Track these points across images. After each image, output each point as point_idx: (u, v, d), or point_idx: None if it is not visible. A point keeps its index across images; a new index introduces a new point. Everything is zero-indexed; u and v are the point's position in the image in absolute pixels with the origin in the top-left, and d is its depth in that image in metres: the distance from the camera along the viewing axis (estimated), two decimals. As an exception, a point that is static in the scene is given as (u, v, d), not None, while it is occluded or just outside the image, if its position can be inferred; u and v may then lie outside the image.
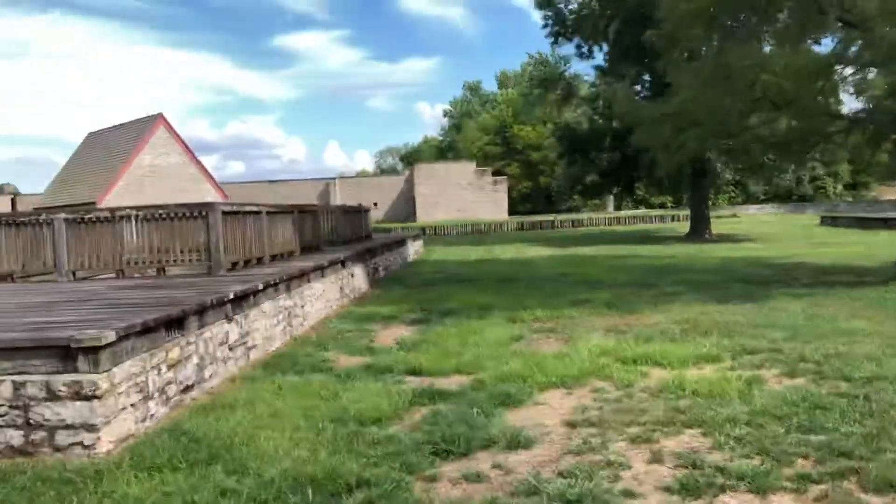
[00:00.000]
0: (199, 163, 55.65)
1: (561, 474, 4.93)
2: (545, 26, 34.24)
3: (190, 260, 11.74)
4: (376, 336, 11.04)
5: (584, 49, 34.39)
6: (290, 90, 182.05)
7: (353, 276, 16.31)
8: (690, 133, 16.40)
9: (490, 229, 49.07)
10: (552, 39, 34.51)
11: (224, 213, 11.72)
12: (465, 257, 26.82)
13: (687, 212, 55.13)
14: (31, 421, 5.72)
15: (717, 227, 35.81)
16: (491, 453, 5.48)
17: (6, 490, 4.87)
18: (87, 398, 5.67)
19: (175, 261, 11.78)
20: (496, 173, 60.58)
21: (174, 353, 7.03)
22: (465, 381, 7.77)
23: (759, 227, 39.89)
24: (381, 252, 20.98)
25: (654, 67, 29.43)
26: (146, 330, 6.51)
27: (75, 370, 5.78)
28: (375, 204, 66.39)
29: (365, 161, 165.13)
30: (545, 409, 6.67)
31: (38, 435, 5.71)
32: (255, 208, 13.43)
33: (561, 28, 33.54)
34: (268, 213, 14.04)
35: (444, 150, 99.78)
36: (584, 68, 71.85)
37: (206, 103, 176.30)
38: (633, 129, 23.35)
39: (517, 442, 5.61)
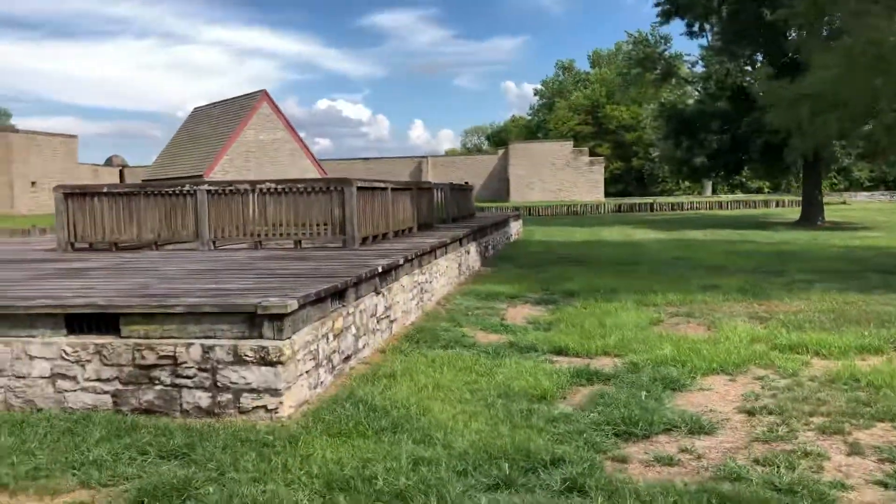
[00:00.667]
0: (299, 139, 56.82)
1: (756, 461, 4.82)
2: (657, 5, 33.37)
3: (324, 233, 11.97)
4: (505, 314, 11.05)
5: (695, 27, 33.36)
6: (376, 68, 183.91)
7: (468, 253, 16.37)
8: (830, 115, 15.64)
9: (586, 211, 48.43)
10: (662, 18, 33.58)
11: (358, 188, 11.89)
12: (569, 238, 26.55)
13: (791, 197, 53.19)
14: (219, 383, 5.94)
15: (827, 213, 34.35)
16: (673, 437, 5.40)
17: (211, 449, 5.07)
18: (272, 364, 5.85)
19: (310, 234, 12.03)
20: (591, 154, 59.61)
21: (339, 323, 7.20)
22: (616, 363, 7.69)
23: (872, 215, 38.04)
24: (490, 231, 20.98)
25: (772, 46, 28.33)
26: (318, 300, 6.68)
27: (260, 336, 5.97)
28: (466, 183, 66.44)
29: (449, 140, 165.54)
30: (711, 394, 6.54)
31: (225, 397, 5.94)
32: (382, 185, 13.59)
33: (672, 6, 32.59)
34: (392, 189, 14.20)
35: (533, 130, 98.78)
36: (690, 47, 69.78)
37: (295, 81, 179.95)
38: (768, 110, 22.47)
39: (699, 427, 5.51)
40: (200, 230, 12.12)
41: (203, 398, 5.97)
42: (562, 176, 55.09)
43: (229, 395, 5.93)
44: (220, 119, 57.23)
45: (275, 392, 5.87)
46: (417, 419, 5.65)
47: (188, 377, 5.98)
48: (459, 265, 15.14)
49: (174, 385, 6.01)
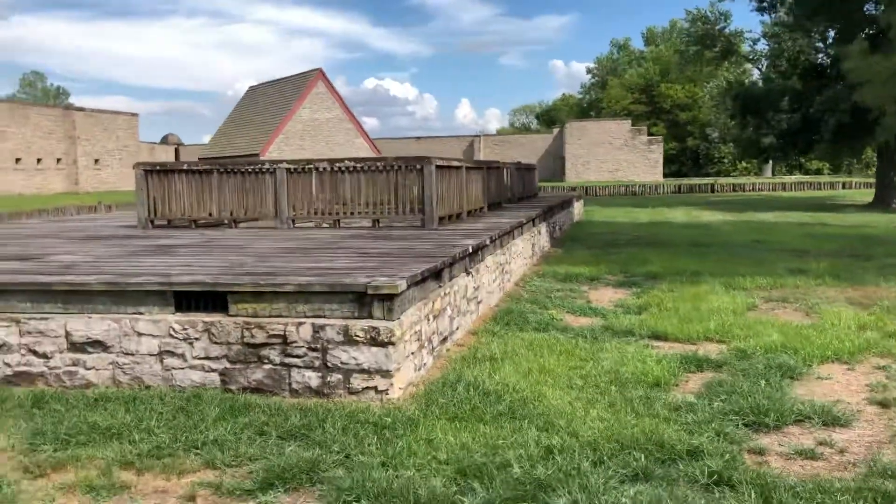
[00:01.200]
0: (354, 118, 56.88)
1: (908, 458, 4.54)
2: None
3: (402, 212, 11.84)
4: (589, 296, 10.82)
5: (765, 2, 32.29)
6: (423, 47, 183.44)
7: (539, 234, 16.13)
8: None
9: (644, 191, 47.60)
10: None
11: (437, 167, 11.72)
12: (633, 219, 26.09)
13: (857, 178, 51.58)
14: (329, 364, 5.85)
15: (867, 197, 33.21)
16: (806, 429, 5.14)
17: (331, 430, 4.98)
18: (383, 344, 5.73)
19: (387, 212, 11.92)
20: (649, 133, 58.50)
21: (438, 304, 7.07)
22: (722, 349, 7.42)
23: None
24: (557, 211, 20.68)
25: (849, 21, 27.29)
26: (422, 280, 6.54)
27: (370, 316, 5.85)
28: (520, 162, 65.89)
29: (496, 119, 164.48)
30: (833, 384, 6.25)
31: (335, 377, 5.84)
32: (457, 163, 13.41)
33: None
34: (466, 168, 14.01)
35: (585, 109, 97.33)
36: (751, 24, 67.81)
37: (342, 60, 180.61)
38: (859, 87, 21.55)
39: (832, 418, 5.24)
40: (279, 208, 12.10)
41: (313, 378, 5.89)
42: (619, 155, 54.23)
43: (339, 376, 5.84)
44: (275, 98, 57.60)
45: (385, 373, 5.75)
46: (534, 405, 5.49)
47: (298, 357, 5.90)
48: (532, 246, 14.91)
49: (283, 364, 5.94)
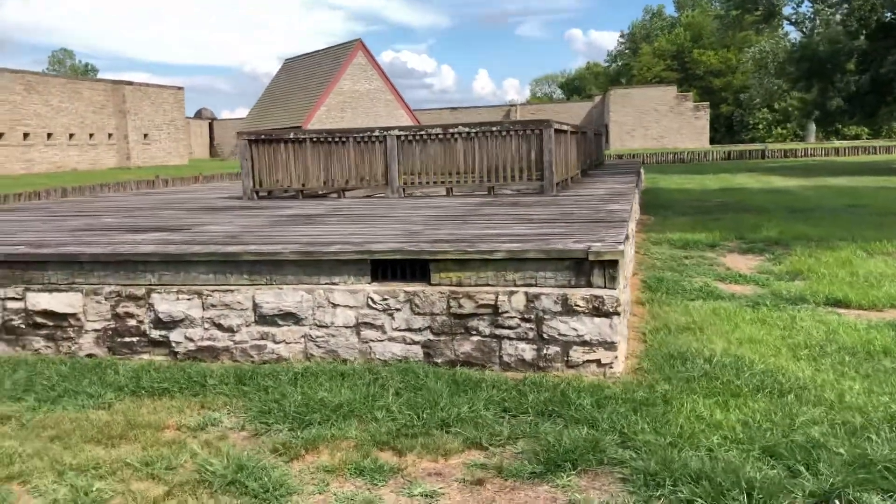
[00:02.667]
0: (394, 89, 56.31)
1: None
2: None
3: (518, 178, 11.43)
4: (723, 263, 10.38)
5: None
6: (440, 18, 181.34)
7: (636, 201, 15.66)
8: None
9: (692, 158, 46.69)
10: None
11: (555, 130, 11.28)
12: (703, 186, 25.46)
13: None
14: (545, 335, 5.49)
15: None
16: None
17: (585, 407, 4.63)
18: (607, 314, 5.36)
19: (505, 178, 11.51)
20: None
21: (627, 271, 6.67)
22: (918, 314, 6.97)
23: None
24: (638, 178, 20.18)
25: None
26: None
27: (589, 284, 5.47)
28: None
29: (514, 89, 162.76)
30: None
31: (551, 350, 5.49)
32: (566, 127, 12.95)
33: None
34: (570, 132, 13.55)
35: (613, 77, 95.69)
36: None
37: (359, 33, 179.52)
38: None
39: None
40: (390, 176, 11.73)
41: (527, 350, 5.53)
42: (665, 122, 53.26)
43: (556, 348, 5.48)
44: (314, 70, 57.11)
45: (609, 345, 5.38)
46: (781, 378, 5.08)
47: (510, 328, 5.55)
48: (632, 213, 14.46)
49: (494, 336, 5.59)
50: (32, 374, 5.74)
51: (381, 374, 5.43)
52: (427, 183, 11.84)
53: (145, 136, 39.21)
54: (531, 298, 5.50)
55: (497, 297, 5.54)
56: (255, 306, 5.99)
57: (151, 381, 5.49)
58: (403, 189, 11.81)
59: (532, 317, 5.51)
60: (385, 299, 5.76)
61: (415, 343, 5.75)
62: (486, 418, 4.60)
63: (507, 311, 5.54)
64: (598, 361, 5.41)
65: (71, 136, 34.40)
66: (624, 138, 54.86)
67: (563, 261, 5.51)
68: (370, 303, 5.79)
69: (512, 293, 5.53)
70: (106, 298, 6.27)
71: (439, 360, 5.68)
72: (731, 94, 77.47)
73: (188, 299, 6.10)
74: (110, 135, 36.89)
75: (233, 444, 4.42)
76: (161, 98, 40.77)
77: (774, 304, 7.50)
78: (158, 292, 6.16)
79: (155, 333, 6.20)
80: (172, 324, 6.13)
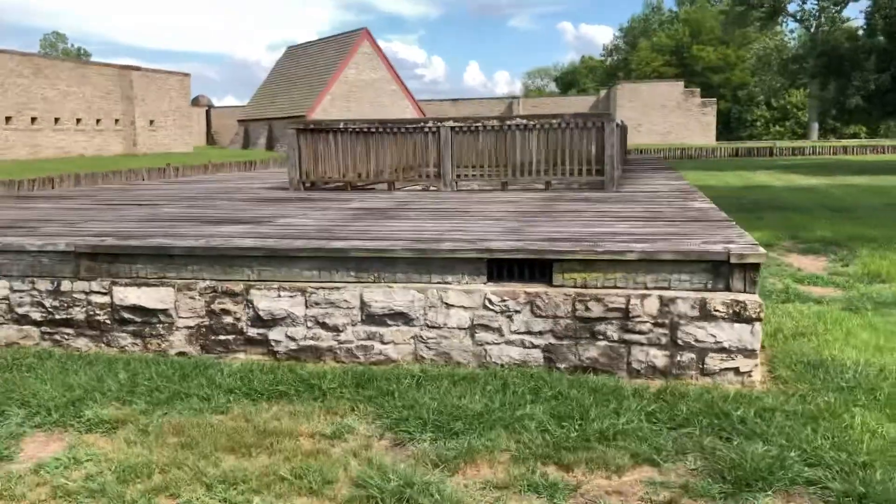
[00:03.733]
0: (399, 79, 55.86)
1: None
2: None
3: (576, 173, 11.14)
4: (790, 264, 10.16)
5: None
6: (431, 9, 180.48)
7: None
8: None
9: (700, 154, 46.44)
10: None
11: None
12: (725, 183, 25.22)
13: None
14: (679, 341, 5.22)
15: None
16: None
17: (749, 421, 4.36)
18: (748, 320, 5.10)
19: (563, 172, 11.23)
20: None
21: (740, 274, 6.40)
22: None
23: None
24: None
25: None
26: (749, 247, 5.88)
27: (727, 288, 5.21)
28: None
29: (505, 82, 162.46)
30: None
31: (686, 356, 5.22)
32: (617, 121, 12.66)
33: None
34: (618, 126, 13.27)
35: (610, 72, 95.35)
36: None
37: (350, 22, 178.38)
38: None
39: None
40: (443, 168, 11.42)
41: (658, 357, 5.26)
42: (672, 118, 53.02)
43: (691, 355, 5.21)
44: (318, 58, 56.58)
45: (749, 353, 5.13)
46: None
47: (641, 333, 5.28)
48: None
49: (622, 341, 5.32)
50: (133, 374, 5.42)
51: (507, 379, 5.15)
52: (480, 176, 11.55)
53: (151, 122, 38.68)
54: (665, 302, 5.23)
55: (629, 301, 5.27)
56: (363, 305, 5.70)
57: (264, 384, 5.20)
58: (455, 182, 11.51)
59: (666, 321, 5.24)
60: (504, 300, 5.47)
61: (534, 347, 5.47)
62: (644, 430, 4.33)
63: (638, 316, 5.27)
64: (735, 369, 5.16)
65: (78, 121, 33.87)
66: (631, 133, 54.42)
67: (700, 263, 5.24)
68: (487, 304, 5.51)
69: (644, 296, 5.26)
70: (200, 294, 5.96)
71: (562, 366, 5.40)
72: (729, 90, 77.32)
73: (290, 297, 5.81)
74: (117, 120, 36.36)
75: (380, 455, 4.14)
76: (168, 84, 40.24)
77: (875, 309, 7.27)
78: (258, 289, 5.86)
79: (252, 331, 5.90)
80: (273, 322, 5.84)
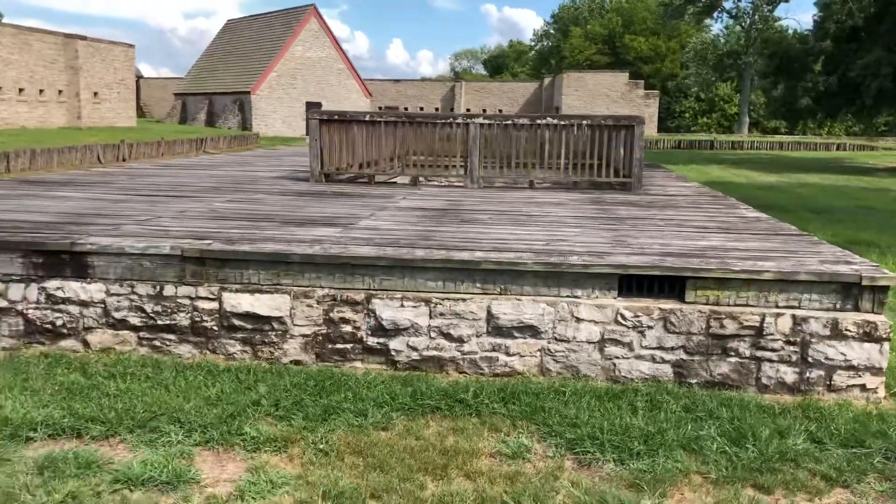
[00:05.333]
0: (346, 58, 55.12)
1: None
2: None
3: (605, 174, 11.31)
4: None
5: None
6: None
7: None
8: None
9: (645, 146, 47.52)
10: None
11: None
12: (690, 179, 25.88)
13: (847, 140, 52.57)
14: (810, 358, 5.43)
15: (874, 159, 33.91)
16: None
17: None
18: (878, 340, 5.35)
19: (591, 173, 11.38)
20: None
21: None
22: None
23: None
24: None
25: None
26: (855, 266, 6.13)
27: (856, 308, 5.44)
28: (500, 111, 65.11)
29: (428, 61, 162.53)
30: None
31: (814, 373, 5.44)
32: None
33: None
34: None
35: (545, 57, 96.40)
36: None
37: None
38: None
39: None
40: (471, 165, 11.42)
41: (788, 373, 5.47)
42: (616, 109, 53.88)
43: (820, 372, 5.43)
44: (262, 33, 55.26)
45: (877, 371, 5.38)
46: None
47: (772, 350, 5.47)
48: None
49: (753, 358, 5.50)
50: (272, 386, 5.30)
51: (652, 395, 5.26)
52: (505, 173, 11.59)
53: (95, 94, 37.13)
54: (798, 321, 5.42)
55: (763, 319, 5.44)
56: (490, 317, 5.71)
57: (410, 397, 5.16)
58: (482, 179, 11.52)
59: (797, 339, 5.44)
60: (637, 316, 5.57)
61: (665, 362, 5.59)
62: (814, 451, 4.51)
63: (771, 334, 5.45)
64: (862, 386, 5.40)
65: (20, 90, 32.25)
66: (575, 121, 55.36)
67: (831, 284, 5.44)
68: (620, 319, 5.60)
69: (778, 315, 5.44)
70: (318, 302, 5.86)
71: (693, 381, 5.55)
72: (658, 80, 79.20)
73: (414, 307, 5.77)
74: (60, 91, 34.75)
75: (579, 478, 4.19)
76: (112, 55, 38.63)
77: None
78: (380, 298, 5.80)
79: (372, 341, 5.84)
80: (395, 332, 5.79)
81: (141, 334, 6.05)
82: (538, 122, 11.33)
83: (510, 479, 4.17)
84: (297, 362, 5.90)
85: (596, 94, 53.36)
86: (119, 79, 39.15)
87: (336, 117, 11.64)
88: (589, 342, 5.65)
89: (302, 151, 24.12)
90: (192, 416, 4.80)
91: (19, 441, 4.47)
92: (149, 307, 5.99)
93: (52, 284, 6.08)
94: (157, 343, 6.04)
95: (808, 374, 5.44)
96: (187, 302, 5.97)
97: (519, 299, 5.70)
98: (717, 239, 6.87)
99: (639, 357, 5.62)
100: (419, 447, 4.48)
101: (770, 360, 5.47)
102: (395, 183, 11.87)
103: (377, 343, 5.83)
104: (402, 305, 5.77)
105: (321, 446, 4.48)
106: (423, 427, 4.79)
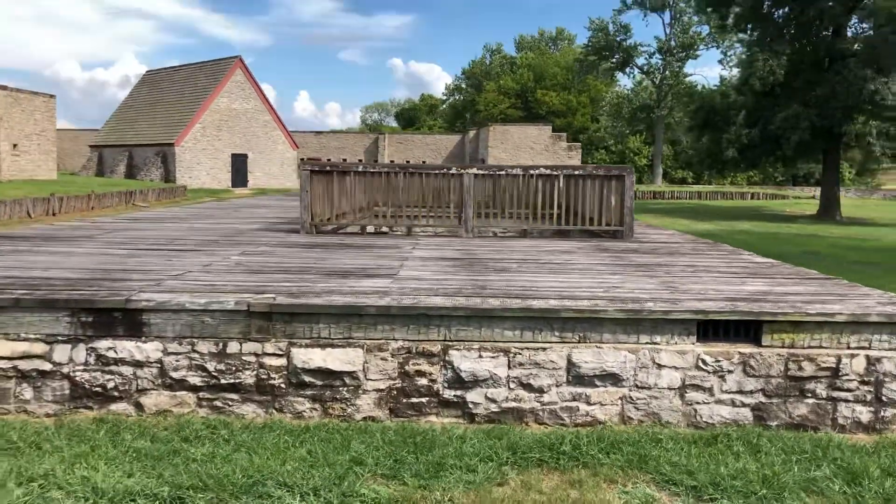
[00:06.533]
0: (272, 109, 54.81)
1: None
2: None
3: (598, 223, 11.53)
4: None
5: (728, 20, 33.79)
6: (261, 36, 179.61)
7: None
8: None
9: (572, 195, 48.78)
10: (708, 7, 33.77)
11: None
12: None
13: (758, 189, 55.35)
14: (884, 397, 5.61)
15: (808, 207, 35.85)
16: None
17: None
18: (948, 378, 5.56)
19: (583, 221, 11.57)
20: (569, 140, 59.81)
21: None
22: None
23: (865, 211, 39.87)
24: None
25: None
26: None
27: (922, 347, 5.66)
28: (424, 162, 65.81)
29: (336, 114, 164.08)
30: None
31: (889, 412, 5.61)
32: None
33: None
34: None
35: (457, 111, 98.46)
36: (646, 37, 70.81)
37: (172, 45, 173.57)
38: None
39: None
40: (465, 215, 11.45)
41: (863, 412, 5.62)
42: (541, 160, 55.18)
43: (894, 410, 5.61)
44: (185, 84, 54.44)
45: (948, 408, 5.59)
46: None
47: (848, 390, 5.62)
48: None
49: (829, 398, 5.63)
50: (366, 444, 5.09)
51: (746, 439, 5.30)
52: (496, 221, 11.67)
53: (14, 146, 35.64)
54: (872, 362, 5.60)
55: (839, 361, 5.59)
56: (571, 366, 5.68)
57: (509, 451, 5.05)
58: (476, 228, 11.56)
59: (871, 379, 5.61)
60: (718, 361, 5.64)
61: (744, 405, 5.67)
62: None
63: (846, 374, 5.60)
64: (929, 423, 5.59)
65: (-63, 142, 30.62)
66: (501, 172, 56.42)
67: (891, 325, 5.66)
68: (700, 364, 5.66)
69: (853, 356, 5.61)
70: (393, 355, 5.70)
71: (773, 423, 5.63)
72: (570, 133, 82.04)
73: (493, 357, 5.68)
74: (-22, 143, 33.22)
75: (722, 526, 4.17)
76: (32, 106, 37.23)
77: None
78: (457, 349, 5.69)
79: (449, 393, 5.70)
80: (473, 383, 5.68)
81: (201, 394, 5.74)
82: (531, 172, 11.48)
83: (656, 531, 4.10)
84: (370, 418, 5.70)
85: (521, 146, 54.61)
86: (40, 130, 37.74)
87: (329, 168, 11.50)
88: (670, 388, 5.68)
89: (251, 203, 23.66)
90: (297, 479, 4.55)
91: (121, 514, 4.14)
92: (211, 366, 5.70)
93: (102, 345, 5.71)
94: (219, 403, 5.73)
95: (882, 413, 5.61)
96: (253, 359, 5.71)
97: (599, 347, 5.69)
98: (757, 284, 7.06)
99: (719, 402, 5.67)
100: (548, 502, 4.37)
101: (846, 401, 5.62)
102: (386, 233, 11.75)
103: (454, 396, 5.70)
104: (481, 356, 5.68)
105: (443, 505, 4.31)
106: (538, 481, 4.68)
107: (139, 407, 5.73)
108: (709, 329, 5.79)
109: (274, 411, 5.73)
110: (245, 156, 52.41)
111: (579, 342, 5.73)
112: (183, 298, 5.77)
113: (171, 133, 50.26)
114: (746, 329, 5.76)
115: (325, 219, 11.52)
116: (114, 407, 5.73)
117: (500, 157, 55.16)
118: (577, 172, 11.45)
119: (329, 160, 68.21)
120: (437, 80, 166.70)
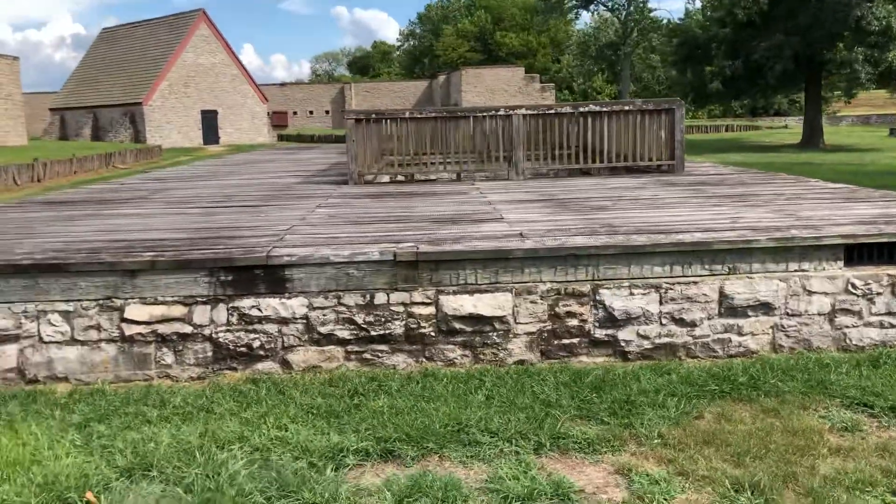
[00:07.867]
0: (239, 62, 53.46)
1: None
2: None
3: (649, 157, 11.47)
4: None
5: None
6: None
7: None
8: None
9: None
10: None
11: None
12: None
13: (736, 122, 55.76)
14: None
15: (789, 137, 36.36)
16: None
17: None
18: None
19: (636, 158, 11.50)
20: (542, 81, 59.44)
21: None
22: None
23: (843, 138, 40.34)
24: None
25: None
26: None
27: None
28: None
29: (282, 65, 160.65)
30: None
31: None
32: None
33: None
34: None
35: (414, 57, 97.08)
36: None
37: (110, 3, 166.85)
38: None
39: None
40: (515, 158, 11.30)
41: None
42: (515, 102, 54.85)
43: None
44: (147, 41, 52.67)
45: None
46: None
47: None
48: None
49: (975, 315, 5.70)
50: (554, 388, 5.02)
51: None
52: (551, 164, 11.55)
53: (-20, 111, 34.35)
54: None
55: None
56: (723, 298, 5.65)
57: (689, 385, 5.03)
58: (525, 172, 11.43)
59: None
60: (867, 284, 5.66)
61: (892, 327, 5.72)
62: None
63: None
64: None
65: None
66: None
67: None
68: (850, 288, 5.68)
69: None
70: (542, 297, 5.61)
71: (923, 342, 5.69)
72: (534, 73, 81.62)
73: (644, 294, 5.63)
74: (-56, 110, 31.90)
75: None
76: (-5, 68, 35.86)
77: None
78: (607, 287, 5.62)
79: (600, 333, 5.65)
80: (625, 321, 5.63)
81: (349, 348, 5.61)
82: (581, 109, 11.34)
83: (882, 450, 4.11)
84: (521, 362, 5.63)
85: (494, 89, 54.17)
86: (6, 94, 36.42)
87: (374, 115, 11.22)
88: (820, 314, 5.70)
89: (250, 158, 23.10)
90: (496, 425, 4.48)
91: (336, 469, 4.03)
92: (359, 318, 5.56)
93: (245, 303, 5.53)
94: (368, 356, 5.61)
95: None
96: (401, 309, 5.58)
97: (751, 277, 5.66)
98: (862, 208, 7.08)
99: (868, 324, 5.71)
100: (757, 431, 4.36)
101: None
102: (434, 180, 11.56)
103: (605, 335, 5.65)
104: (632, 293, 5.62)
105: (656, 441, 4.28)
106: (734, 411, 4.67)
107: (286, 364, 5.58)
108: (853, 253, 5.79)
109: (424, 360, 5.63)
110: (215, 112, 51.21)
111: (729, 273, 5.69)
112: (326, 251, 5.60)
113: (137, 92, 48.80)
114: (890, 251, 5.77)
115: (370, 168, 11.28)
116: (260, 366, 5.58)
117: (473, 100, 54.71)
118: (626, 108, 11.32)
119: (287, 112, 66.97)
120: (385, 26, 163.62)
